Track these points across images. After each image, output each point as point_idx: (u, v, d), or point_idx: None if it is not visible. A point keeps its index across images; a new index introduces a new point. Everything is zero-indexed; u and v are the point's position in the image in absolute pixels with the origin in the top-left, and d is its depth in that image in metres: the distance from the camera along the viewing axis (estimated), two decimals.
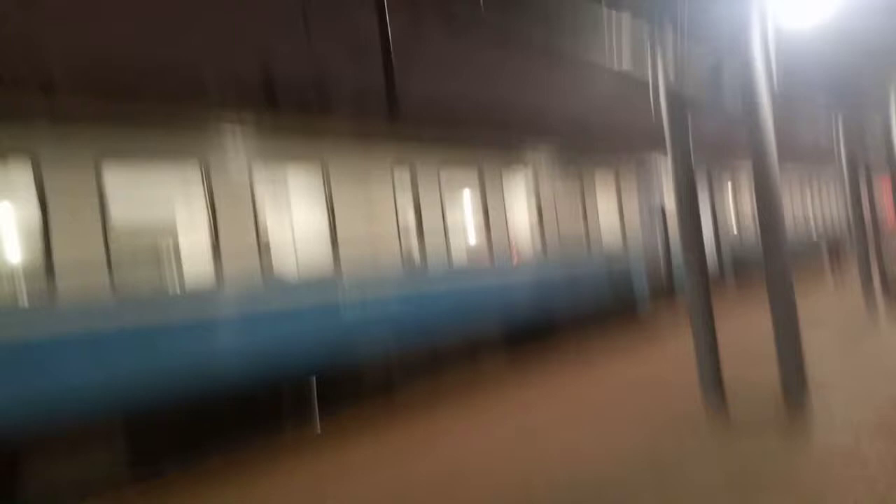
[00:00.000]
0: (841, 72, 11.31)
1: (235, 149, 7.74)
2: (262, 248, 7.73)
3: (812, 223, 23.90)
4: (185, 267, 7.30)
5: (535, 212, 11.87)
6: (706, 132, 12.36)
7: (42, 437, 5.97)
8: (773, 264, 6.51)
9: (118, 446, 6.52)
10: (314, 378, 8.18)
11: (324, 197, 8.54)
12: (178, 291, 7.28)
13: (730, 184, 19.01)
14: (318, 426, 8.20)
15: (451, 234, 10.18)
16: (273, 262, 7.87)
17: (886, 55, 10.56)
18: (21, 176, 6.13)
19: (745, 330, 9.17)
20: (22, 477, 5.94)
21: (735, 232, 18.67)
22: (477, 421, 7.85)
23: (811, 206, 24.18)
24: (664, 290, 14.78)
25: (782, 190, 6.77)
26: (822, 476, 4.87)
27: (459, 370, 10.01)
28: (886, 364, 7.94)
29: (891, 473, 4.70)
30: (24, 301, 6.12)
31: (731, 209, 19.00)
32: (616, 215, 13.91)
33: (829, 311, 12.20)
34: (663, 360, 10.01)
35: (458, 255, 10.41)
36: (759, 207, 6.65)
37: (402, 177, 9.61)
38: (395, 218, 9.40)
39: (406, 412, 8.56)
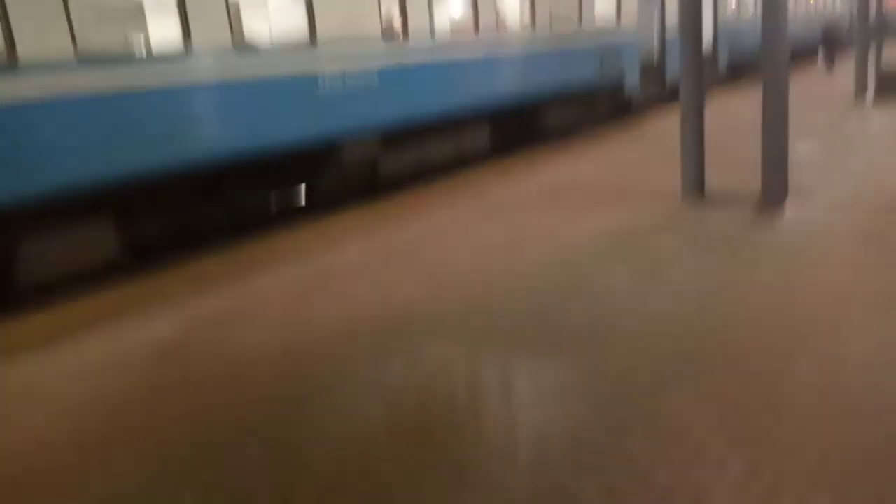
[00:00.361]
0: None
1: None
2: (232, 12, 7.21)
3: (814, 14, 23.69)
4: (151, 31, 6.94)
5: None
6: None
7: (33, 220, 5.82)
8: (770, 61, 6.35)
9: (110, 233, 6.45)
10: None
11: None
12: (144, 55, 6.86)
13: None
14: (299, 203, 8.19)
15: (436, 7, 9.60)
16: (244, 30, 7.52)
17: None
18: None
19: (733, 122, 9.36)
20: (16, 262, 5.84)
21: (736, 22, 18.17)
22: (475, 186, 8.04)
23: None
24: (657, 82, 14.63)
25: None
26: (793, 241, 5.35)
27: (445, 160, 10.00)
28: (855, 146, 8.36)
29: (847, 238, 5.25)
30: None
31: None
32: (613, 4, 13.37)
33: (817, 99, 12.56)
34: (647, 150, 10.16)
35: (445, 28, 9.96)
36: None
37: None
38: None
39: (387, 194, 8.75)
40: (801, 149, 8.73)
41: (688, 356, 3.74)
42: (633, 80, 14.00)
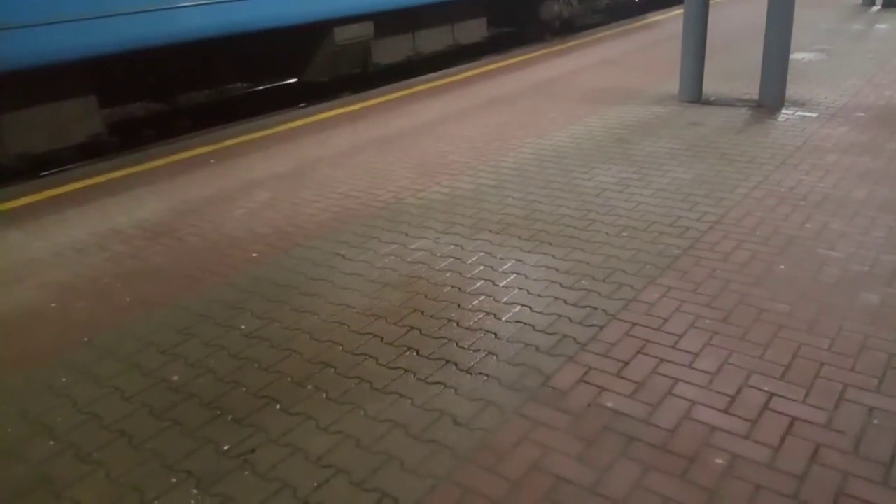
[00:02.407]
0: None
1: None
2: None
3: None
4: None
5: None
6: None
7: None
8: None
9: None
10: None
11: None
12: None
13: None
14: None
15: None
16: None
17: None
18: None
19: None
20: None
21: None
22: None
23: None
24: None
25: None
26: (784, 146, 5.30)
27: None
28: (858, 53, 8.19)
29: (838, 144, 5.20)
30: None
31: None
32: None
33: (825, 3, 12.18)
34: (648, 50, 9.88)
35: None
36: None
37: None
38: None
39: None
40: (803, 56, 8.55)
41: (670, 252, 3.79)
42: None
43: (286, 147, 6.24)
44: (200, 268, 3.99)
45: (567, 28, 12.28)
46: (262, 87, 8.69)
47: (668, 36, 10.42)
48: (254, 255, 4.10)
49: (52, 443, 2.62)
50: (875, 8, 12.06)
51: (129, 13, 5.88)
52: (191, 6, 6.35)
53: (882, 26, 10.56)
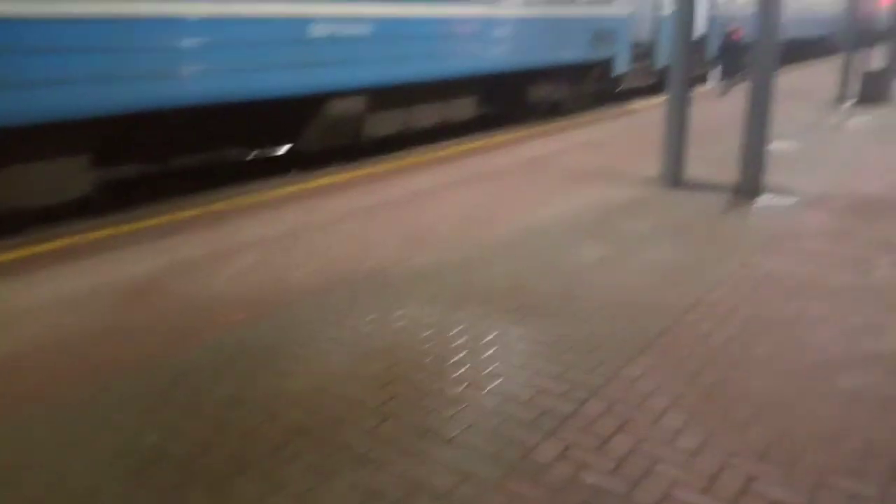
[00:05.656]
0: None
1: None
2: None
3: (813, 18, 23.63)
4: None
5: None
6: None
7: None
8: (762, 59, 6.42)
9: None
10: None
11: None
12: None
13: None
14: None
15: None
16: None
17: None
18: None
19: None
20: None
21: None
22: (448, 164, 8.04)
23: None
24: (647, 66, 14.62)
25: None
26: (762, 231, 5.44)
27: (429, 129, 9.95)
28: (832, 146, 8.51)
29: (814, 233, 5.35)
30: None
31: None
32: None
33: (800, 97, 12.70)
34: (631, 133, 10.24)
35: None
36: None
37: None
38: None
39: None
40: (781, 146, 8.86)
41: (651, 331, 3.84)
42: (623, 61, 14.03)
43: (276, 213, 6.31)
44: (185, 327, 3.97)
45: (555, 111, 12.70)
46: (253, 155, 8.82)
47: (650, 122, 10.79)
48: (240, 316, 4.09)
49: None
50: (847, 104, 12.60)
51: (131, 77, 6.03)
52: (191, 75, 6.53)
53: (854, 121, 11.03)
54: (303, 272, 4.80)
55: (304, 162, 8.95)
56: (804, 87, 15.20)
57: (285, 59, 7.51)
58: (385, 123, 9.38)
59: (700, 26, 15.33)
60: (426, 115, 10.03)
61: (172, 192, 7.55)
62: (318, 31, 7.83)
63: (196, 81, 6.59)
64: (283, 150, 8.92)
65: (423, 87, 9.61)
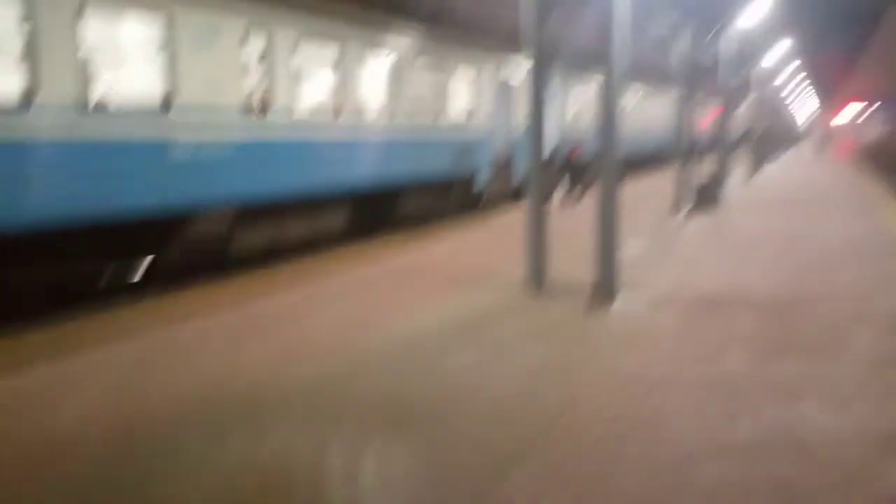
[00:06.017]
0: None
1: None
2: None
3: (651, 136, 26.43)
4: None
5: (393, 87, 12.10)
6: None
7: None
8: (606, 173, 6.97)
9: None
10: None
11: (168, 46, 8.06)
12: None
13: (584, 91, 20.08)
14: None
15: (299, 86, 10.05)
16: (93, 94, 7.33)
17: None
18: None
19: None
20: None
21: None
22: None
23: (655, 119, 26.89)
24: (506, 180, 15.74)
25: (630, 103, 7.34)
26: (618, 332, 5.80)
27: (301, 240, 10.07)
28: (675, 248, 9.37)
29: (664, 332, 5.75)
30: None
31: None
32: (469, 106, 14.69)
33: (642, 206, 13.66)
34: (495, 242, 10.69)
35: (307, 107, 10.27)
36: (601, 118, 7.03)
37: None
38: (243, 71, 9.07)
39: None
40: (632, 250, 9.56)
41: (525, 438, 3.90)
42: (484, 175, 14.89)
43: (132, 336, 5.95)
44: (29, 471, 3.58)
45: (424, 220, 13.10)
46: (108, 275, 8.35)
47: (514, 227, 11.29)
48: (89, 453, 3.75)
49: None
50: (681, 213, 13.75)
51: None
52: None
53: (692, 226, 12.16)
54: (165, 396, 4.51)
55: (167, 277, 8.60)
56: (646, 195, 16.65)
57: (143, 181, 7.46)
58: (253, 237, 9.29)
59: (550, 143, 16.61)
60: (296, 228, 10.06)
61: (21, 314, 6.96)
62: (177, 154, 7.85)
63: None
64: (142, 269, 8.51)
65: (292, 203, 9.69)
